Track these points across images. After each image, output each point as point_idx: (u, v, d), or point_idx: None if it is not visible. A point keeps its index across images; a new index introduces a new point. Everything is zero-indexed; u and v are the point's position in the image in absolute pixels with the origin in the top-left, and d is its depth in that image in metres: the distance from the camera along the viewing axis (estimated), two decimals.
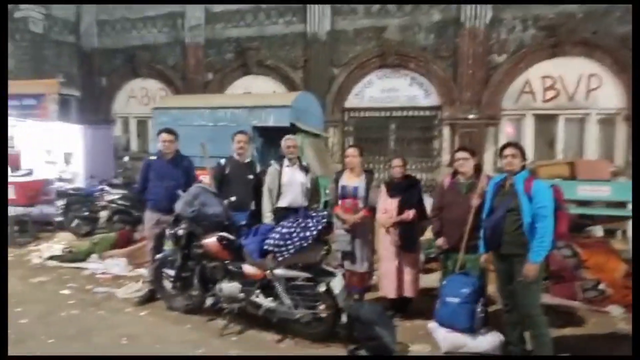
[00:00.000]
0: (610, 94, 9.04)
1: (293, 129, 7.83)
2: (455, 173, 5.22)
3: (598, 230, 7.95)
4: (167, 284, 4.92)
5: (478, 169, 5.16)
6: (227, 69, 11.88)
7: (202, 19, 12.01)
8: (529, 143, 9.71)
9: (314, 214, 4.50)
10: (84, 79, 13.50)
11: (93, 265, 6.55)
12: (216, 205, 4.65)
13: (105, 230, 7.97)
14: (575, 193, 8.15)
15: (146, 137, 12.91)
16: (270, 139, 7.67)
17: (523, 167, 4.21)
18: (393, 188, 4.78)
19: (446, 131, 10.17)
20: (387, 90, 10.62)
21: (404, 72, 10.47)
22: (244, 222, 5.05)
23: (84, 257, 6.77)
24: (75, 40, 13.47)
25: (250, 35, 11.64)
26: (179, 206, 4.64)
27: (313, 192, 5.50)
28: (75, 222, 8.28)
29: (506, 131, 9.78)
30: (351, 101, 10.93)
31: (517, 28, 9.53)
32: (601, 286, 5.54)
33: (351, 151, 5.11)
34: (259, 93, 10.98)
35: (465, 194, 5.04)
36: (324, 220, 4.34)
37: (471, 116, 9.86)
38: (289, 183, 5.27)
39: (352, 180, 4.87)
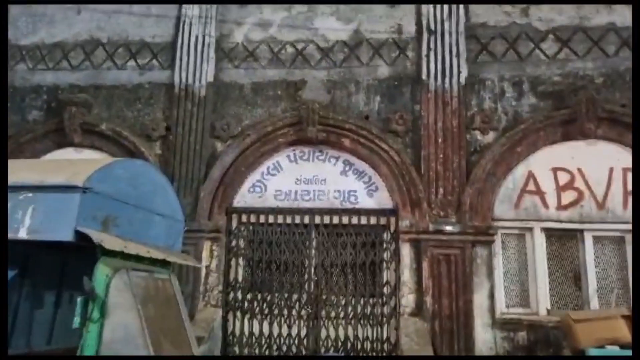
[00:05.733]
0: None
1: (90, 252, 3.15)
2: None
3: None
4: None
5: None
6: (26, 136, 6.78)
7: None
8: (540, 275, 5.79)
9: None
10: None
11: None
12: None
13: None
14: None
15: None
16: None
17: None
18: None
19: (406, 251, 5.91)
20: (305, 180, 6.32)
21: (333, 152, 6.36)
22: None
23: None
24: None
25: (74, 83, 6.91)
26: None
27: None
28: None
29: None
30: (244, 197, 6.37)
31: (508, 94, 6.14)
32: None
33: None
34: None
35: None
36: None
37: (448, 228, 5.81)
38: None
39: None
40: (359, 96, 6.38)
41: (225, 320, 6.04)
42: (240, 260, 6.20)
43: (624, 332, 4.96)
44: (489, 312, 5.66)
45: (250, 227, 6.23)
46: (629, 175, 5.76)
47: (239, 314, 6.07)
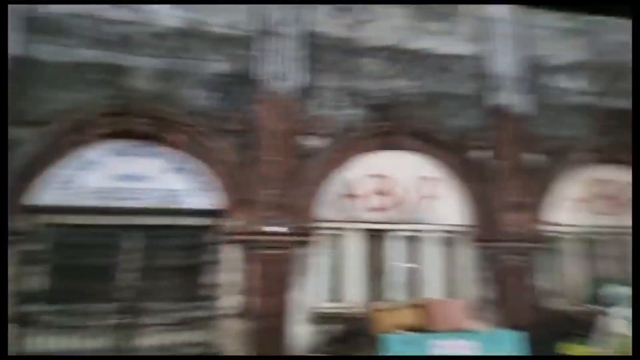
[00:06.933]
0: (453, 207, 6.66)
1: None
2: None
3: None
4: None
5: None
6: None
7: None
8: (356, 272, 6.33)
9: None
10: None
11: None
12: None
13: None
14: (426, 353, 5.30)
15: None
16: None
17: None
18: None
19: (233, 253, 5.88)
20: (124, 177, 5.79)
21: (158, 148, 5.95)
22: None
23: None
24: None
25: None
26: None
27: None
28: None
29: None
30: (49, 194, 5.56)
31: (339, 103, 6.49)
32: None
33: None
34: None
35: None
36: None
37: (276, 229, 5.94)
38: None
39: None
40: (192, 90, 6.07)
41: (19, 337, 5.22)
42: (41, 267, 5.41)
43: (417, 319, 5.75)
44: (310, 309, 5.97)
45: (56, 229, 5.47)
46: (427, 183, 6.60)
47: (38, 329, 5.30)
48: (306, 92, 6.35)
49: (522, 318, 6.24)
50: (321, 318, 6.06)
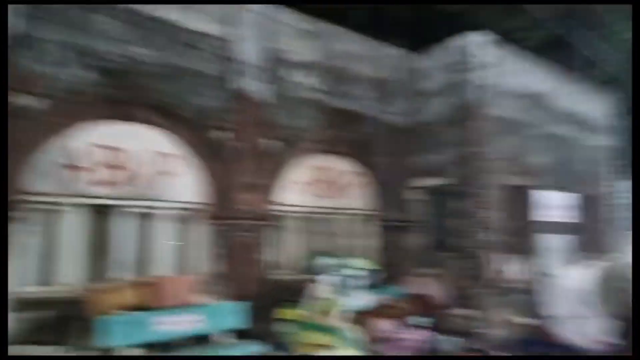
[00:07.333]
0: (189, 185, 6.69)
1: None
2: None
3: None
4: None
5: None
6: None
7: None
8: (74, 251, 5.76)
9: None
10: None
11: None
12: None
13: None
14: (149, 332, 5.36)
15: None
16: None
17: None
18: None
19: None
20: None
21: None
22: None
23: None
24: None
25: None
26: None
27: None
28: None
29: None
30: None
31: (65, 61, 5.69)
32: None
33: None
34: None
35: None
36: None
37: None
38: None
39: None
40: None
41: None
42: None
43: (143, 298, 5.63)
44: (12, 294, 5.13)
45: None
46: (164, 159, 6.47)
47: None
48: (19, 42, 5.36)
49: (249, 289, 6.76)
50: (26, 304, 5.30)
